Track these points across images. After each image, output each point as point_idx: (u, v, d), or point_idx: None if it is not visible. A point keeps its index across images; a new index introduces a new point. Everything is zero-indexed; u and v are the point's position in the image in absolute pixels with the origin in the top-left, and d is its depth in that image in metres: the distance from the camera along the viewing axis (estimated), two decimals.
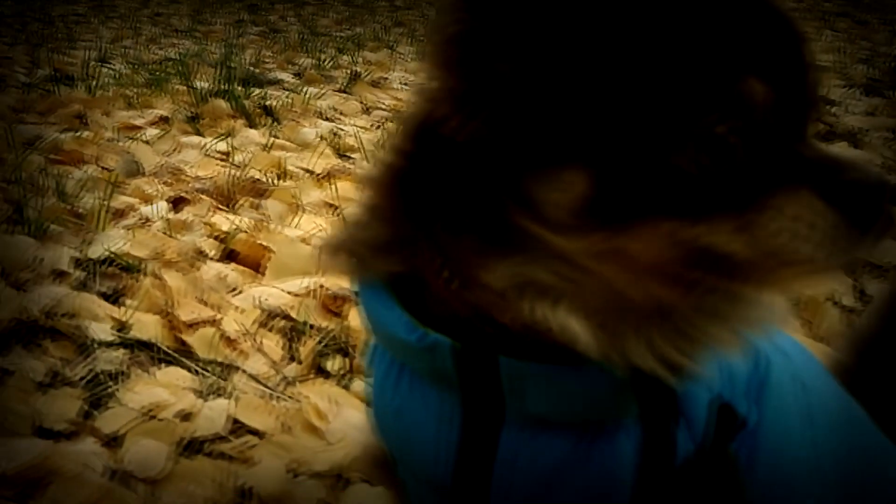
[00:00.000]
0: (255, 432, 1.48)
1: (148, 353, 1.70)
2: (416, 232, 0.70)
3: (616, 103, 0.59)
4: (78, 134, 3.14)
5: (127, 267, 2.02)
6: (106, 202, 2.31)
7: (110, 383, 1.57)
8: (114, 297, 1.90)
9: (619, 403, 0.71)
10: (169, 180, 2.73)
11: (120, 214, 2.40)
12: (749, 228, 0.59)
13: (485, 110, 0.62)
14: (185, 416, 1.50)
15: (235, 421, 1.50)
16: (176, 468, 1.37)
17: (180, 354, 1.71)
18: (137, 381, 1.59)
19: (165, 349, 1.71)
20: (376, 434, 0.88)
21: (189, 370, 1.66)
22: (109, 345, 1.69)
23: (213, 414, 1.51)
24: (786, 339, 0.86)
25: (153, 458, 1.39)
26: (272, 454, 1.41)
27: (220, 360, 1.69)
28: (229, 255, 2.15)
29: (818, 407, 0.83)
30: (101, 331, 1.73)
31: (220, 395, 1.56)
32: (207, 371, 1.65)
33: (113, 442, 1.42)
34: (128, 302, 1.88)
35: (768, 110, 0.60)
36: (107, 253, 2.05)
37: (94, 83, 3.96)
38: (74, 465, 1.33)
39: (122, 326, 1.77)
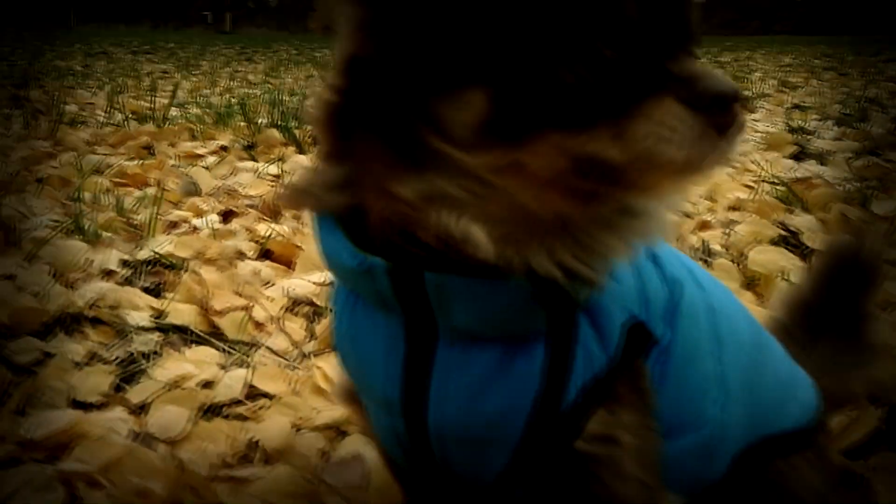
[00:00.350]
0: (268, 396, 1.57)
1: (181, 336, 1.83)
2: (351, 161, 0.78)
3: (505, 25, 0.68)
4: (143, 161, 3.40)
5: (170, 265, 2.18)
6: (156, 212, 2.49)
7: (143, 362, 1.70)
8: (155, 291, 2.06)
9: (530, 315, 0.79)
10: (222, 199, 2.93)
11: (173, 226, 2.59)
12: (623, 135, 0.67)
13: (387, 33, 0.72)
14: (207, 385, 1.61)
15: (252, 387, 1.60)
16: (195, 429, 1.47)
17: (211, 336, 1.83)
18: (168, 358, 1.72)
19: (198, 332, 1.84)
20: (341, 366, 0.97)
21: (217, 349, 1.77)
22: (146, 329, 1.83)
23: (233, 382, 1.61)
24: (703, 273, 0.98)
25: (175, 421, 1.49)
26: (281, 413, 1.50)
27: (246, 340, 1.80)
28: (265, 255, 2.30)
29: (727, 329, 0.94)
30: (140, 318, 1.87)
31: (241, 367, 1.67)
32: (234, 349, 1.76)
33: (140, 410, 1.54)
34: (168, 295, 2.03)
35: (640, 29, 0.68)
36: (152, 254, 2.22)
37: (164, 121, 4.28)
38: (101, 430, 1.45)
39: (159, 314, 1.91)
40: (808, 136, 4.32)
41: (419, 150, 0.72)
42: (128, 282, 2.10)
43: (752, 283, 2.09)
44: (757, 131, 4.39)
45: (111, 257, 2.19)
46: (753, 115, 4.99)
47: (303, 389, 1.57)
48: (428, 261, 0.76)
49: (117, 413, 1.52)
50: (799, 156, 3.76)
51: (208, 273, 2.11)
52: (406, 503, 1.14)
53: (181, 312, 1.92)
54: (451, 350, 0.82)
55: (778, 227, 2.52)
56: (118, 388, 1.61)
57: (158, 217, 2.52)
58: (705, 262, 2.22)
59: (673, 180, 0.72)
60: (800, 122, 4.80)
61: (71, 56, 11.32)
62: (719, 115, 0.66)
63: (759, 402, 0.97)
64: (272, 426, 1.47)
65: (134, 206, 2.72)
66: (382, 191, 0.74)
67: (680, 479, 0.88)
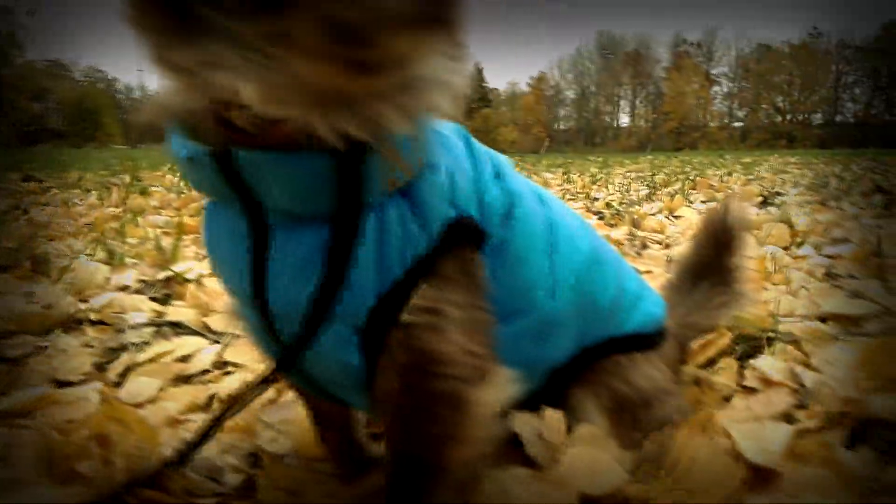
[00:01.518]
0: (235, 365, 1.69)
1: (174, 330, 1.99)
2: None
3: None
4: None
5: (185, 280, 2.38)
6: (179, 238, 2.73)
7: (131, 348, 1.87)
8: (163, 301, 2.25)
9: (327, 190, 0.89)
10: None
11: (203, 257, 2.81)
12: None
13: None
14: (184, 360, 1.76)
15: (224, 362, 1.73)
16: (161, 394, 1.61)
17: (202, 329, 1.98)
18: (155, 345, 1.88)
19: (190, 326, 2.00)
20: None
21: (205, 338, 1.92)
22: (142, 325, 2.01)
23: (206, 357, 1.75)
24: (551, 198, 1.19)
25: (145, 388, 1.63)
26: (242, 377, 1.61)
27: (234, 332, 1.94)
28: None
29: (564, 239, 1.14)
30: (139, 318, 2.06)
31: (217, 345, 1.80)
32: (219, 341, 1.90)
33: (117, 385, 1.69)
34: (175, 303, 2.21)
35: None
36: (170, 273, 2.44)
37: None
38: (73, 399, 1.61)
39: (159, 315, 2.09)
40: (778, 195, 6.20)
41: (194, 21, 0.81)
42: (139, 293, 2.30)
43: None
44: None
45: (129, 276, 2.41)
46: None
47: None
48: (241, 141, 0.86)
49: (93, 385, 1.68)
50: (762, 205, 5.35)
51: (212, 282, 2.29)
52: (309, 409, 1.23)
53: (180, 313, 2.09)
54: (281, 235, 0.93)
55: None
56: (100, 369, 1.77)
57: (186, 246, 2.74)
58: None
59: (414, 38, 0.79)
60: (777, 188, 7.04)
61: None
62: None
63: (599, 303, 1.20)
64: (231, 384, 1.59)
65: (175, 249, 2.98)
66: (165, 62, 0.84)
67: (516, 357, 1.03)
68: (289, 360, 0.96)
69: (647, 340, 1.28)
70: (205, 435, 0.97)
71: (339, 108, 0.83)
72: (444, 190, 0.97)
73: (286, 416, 1.40)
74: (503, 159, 1.14)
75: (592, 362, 1.22)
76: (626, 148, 68.17)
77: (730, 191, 6.80)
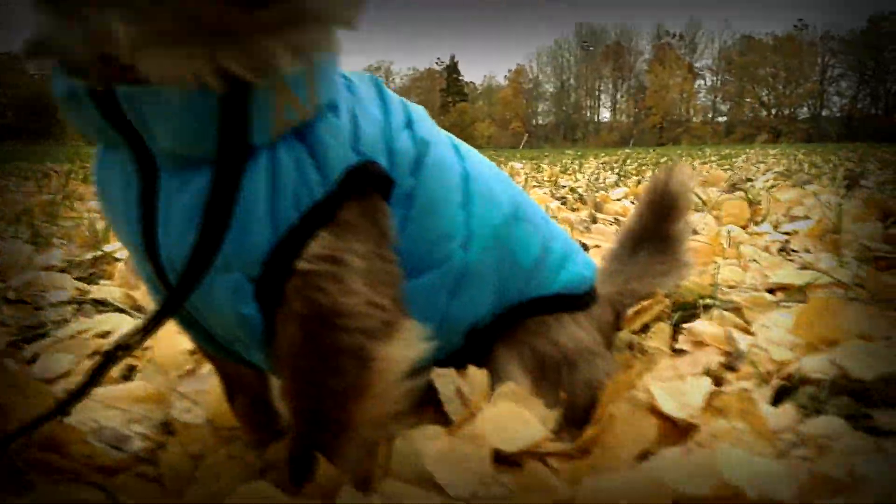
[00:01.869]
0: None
1: (98, 308, 1.95)
2: None
3: None
4: None
5: (114, 259, 2.34)
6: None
7: (50, 326, 1.83)
8: (89, 279, 2.21)
9: (212, 130, 0.87)
10: None
11: None
12: None
13: None
14: (103, 336, 1.72)
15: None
16: (76, 368, 1.57)
17: (128, 307, 1.95)
18: (75, 323, 1.84)
19: (114, 303, 1.96)
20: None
21: (129, 315, 1.89)
22: (64, 303, 1.97)
23: (128, 330, 1.71)
24: (471, 151, 1.20)
25: (59, 364, 1.59)
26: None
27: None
28: None
29: (482, 192, 1.14)
30: (62, 296, 2.02)
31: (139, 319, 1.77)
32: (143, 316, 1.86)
33: (31, 362, 1.65)
34: (101, 282, 2.17)
35: None
36: (100, 253, 2.39)
37: None
38: None
39: (83, 293, 2.05)
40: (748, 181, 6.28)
41: None
42: (62, 272, 2.26)
43: None
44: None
45: (54, 255, 2.37)
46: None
47: None
48: (121, 77, 0.84)
49: (7, 364, 1.64)
50: (730, 189, 5.35)
51: None
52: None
53: (106, 291, 2.05)
54: (169, 181, 0.90)
55: None
56: (15, 346, 1.73)
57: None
58: None
59: None
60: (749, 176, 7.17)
61: None
62: None
63: (520, 261, 1.19)
64: (152, 356, 1.56)
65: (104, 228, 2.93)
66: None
67: (429, 311, 1.04)
68: (172, 306, 0.93)
69: (574, 301, 1.28)
70: (86, 385, 0.94)
71: (223, 44, 0.82)
72: (346, 134, 0.95)
73: (202, 387, 1.38)
74: (419, 109, 1.13)
75: (517, 322, 1.21)
76: (608, 143, 68.47)
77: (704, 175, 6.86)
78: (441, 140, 1.12)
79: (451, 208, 1.08)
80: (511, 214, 1.18)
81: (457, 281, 1.10)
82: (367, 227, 0.95)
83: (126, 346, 0.93)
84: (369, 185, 0.96)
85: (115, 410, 1.34)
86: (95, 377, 0.93)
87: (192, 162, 0.89)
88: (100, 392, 1.42)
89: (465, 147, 1.19)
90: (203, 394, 1.35)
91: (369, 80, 1.08)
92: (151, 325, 0.92)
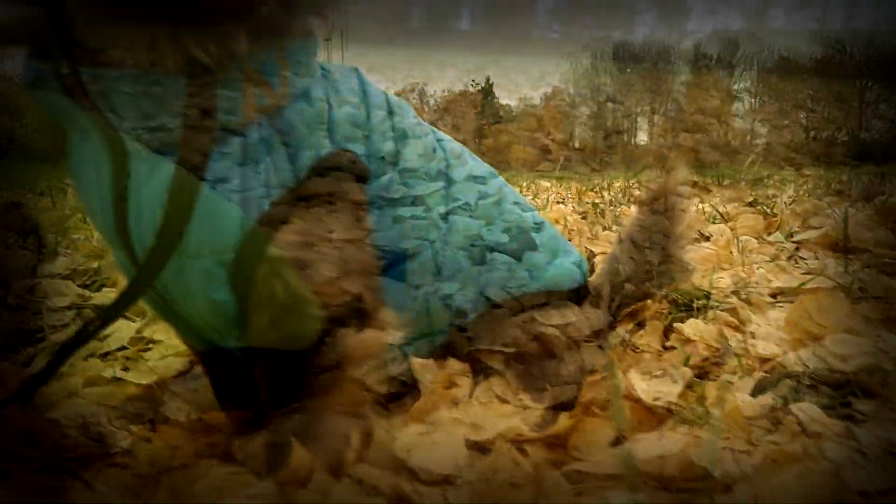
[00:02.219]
0: (153, 341, 1.69)
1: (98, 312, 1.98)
2: None
3: None
4: None
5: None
6: None
7: (48, 331, 1.86)
8: (95, 287, 2.24)
9: (178, 115, 0.89)
10: None
11: None
12: None
13: None
14: (101, 339, 1.75)
15: (142, 338, 1.73)
16: (69, 370, 1.60)
17: (130, 314, 1.98)
18: (73, 326, 1.87)
19: None
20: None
21: (132, 321, 1.91)
22: (67, 309, 2.00)
23: (124, 333, 1.75)
24: (458, 144, 1.24)
25: None
26: (159, 352, 1.62)
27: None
28: None
29: (463, 184, 1.18)
30: (62, 302, 2.05)
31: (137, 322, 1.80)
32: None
33: (27, 364, 1.69)
34: (105, 290, 2.21)
35: None
36: (105, 262, 2.43)
37: None
38: None
39: (84, 300, 2.08)
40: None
41: None
42: (67, 278, 2.30)
43: None
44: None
45: (59, 264, 2.41)
46: None
47: None
48: (88, 60, 0.87)
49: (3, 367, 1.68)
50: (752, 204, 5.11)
51: None
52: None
53: (108, 297, 2.08)
54: (139, 165, 0.92)
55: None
56: (14, 351, 1.77)
57: None
58: None
59: None
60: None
61: None
62: None
63: (505, 254, 1.21)
64: (146, 359, 1.59)
65: None
66: None
67: (404, 300, 1.07)
68: (134, 291, 0.95)
69: (561, 296, 1.29)
70: (46, 370, 0.96)
71: (188, 28, 0.84)
72: (319, 121, 0.97)
73: (194, 386, 1.40)
74: (401, 102, 1.15)
75: (502, 314, 1.22)
76: (646, 166, 68.01)
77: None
78: (423, 132, 1.14)
79: (431, 198, 1.10)
80: (494, 207, 1.20)
81: (436, 270, 1.12)
82: (339, 215, 0.97)
83: (87, 333, 0.95)
84: (342, 173, 0.98)
85: (103, 408, 1.37)
86: (56, 363, 0.95)
87: (161, 146, 0.91)
88: (91, 391, 1.45)
89: (448, 139, 1.21)
90: (195, 393, 1.37)
91: (350, 71, 1.10)
92: (113, 311, 0.94)
